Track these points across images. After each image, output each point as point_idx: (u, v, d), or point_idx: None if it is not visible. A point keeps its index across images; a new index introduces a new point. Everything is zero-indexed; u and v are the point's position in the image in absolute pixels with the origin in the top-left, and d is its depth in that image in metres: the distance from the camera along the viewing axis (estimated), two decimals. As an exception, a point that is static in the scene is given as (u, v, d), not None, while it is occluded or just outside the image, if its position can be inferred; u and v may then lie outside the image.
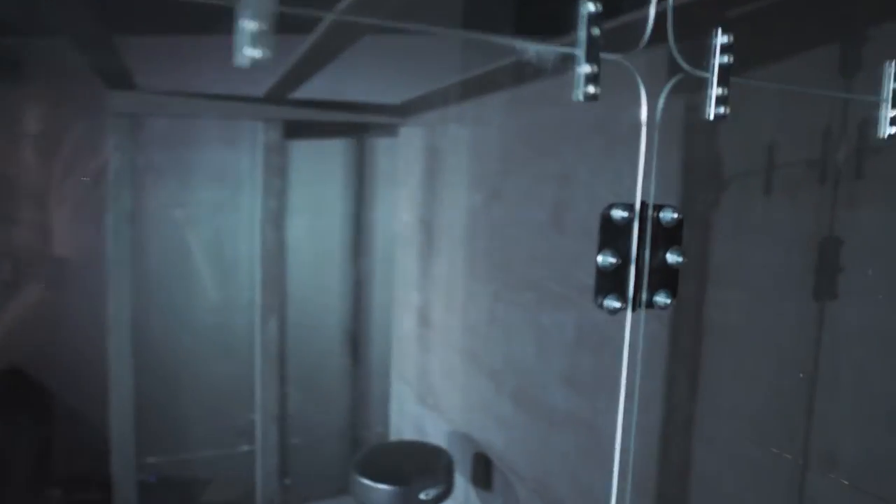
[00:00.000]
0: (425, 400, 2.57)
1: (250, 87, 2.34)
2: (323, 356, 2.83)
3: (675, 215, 0.71)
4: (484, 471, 2.22)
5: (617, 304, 0.69)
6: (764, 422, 1.26)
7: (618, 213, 0.68)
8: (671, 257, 0.72)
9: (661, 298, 0.73)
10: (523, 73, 1.69)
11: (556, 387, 1.85)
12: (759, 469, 1.24)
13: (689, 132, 1.31)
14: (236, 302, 2.62)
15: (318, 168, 2.76)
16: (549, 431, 1.89)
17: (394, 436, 2.78)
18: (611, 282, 0.70)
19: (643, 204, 0.71)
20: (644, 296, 0.73)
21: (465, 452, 2.26)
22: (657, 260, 0.73)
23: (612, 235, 0.69)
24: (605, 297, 0.70)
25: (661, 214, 0.72)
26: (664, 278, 0.73)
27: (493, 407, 2.17)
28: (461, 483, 2.22)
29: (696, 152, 1.31)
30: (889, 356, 1.10)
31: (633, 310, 0.72)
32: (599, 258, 0.68)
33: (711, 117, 0.73)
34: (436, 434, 2.47)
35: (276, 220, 2.63)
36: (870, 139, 1.17)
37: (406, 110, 2.56)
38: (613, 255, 0.68)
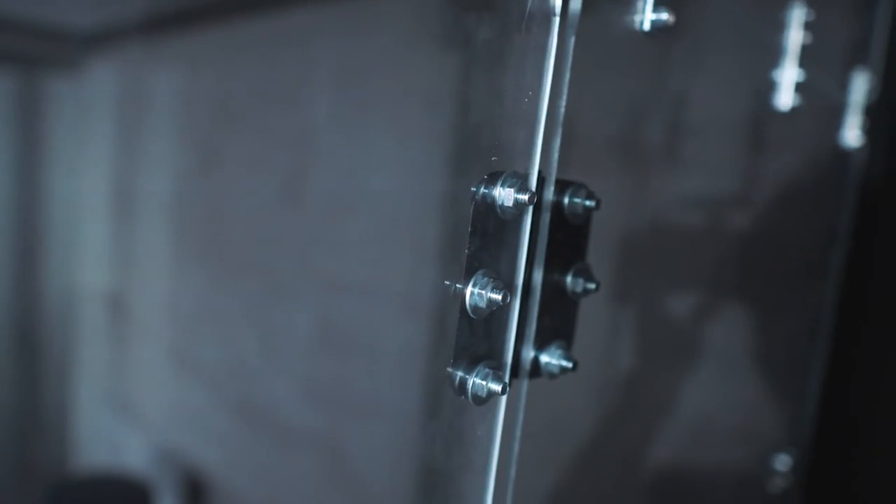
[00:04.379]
0: (121, 411, 1.96)
1: None
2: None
3: (590, 202, 0.34)
4: (198, 494, 1.72)
5: (496, 385, 0.30)
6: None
7: (509, 196, 0.29)
8: (577, 281, 0.36)
9: (556, 359, 0.36)
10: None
11: (289, 398, 1.42)
12: None
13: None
14: None
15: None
16: (281, 451, 1.46)
17: (79, 459, 2.10)
18: (481, 335, 0.31)
19: (540, 180, 0.33)
20: (529, 354, 0.35)
21: (174, 475, 1.72)
22: (550, 285, 0.35)
23: (492, 241, 0.30)
24: (474, 367, 0.31)
25: (569, 199, 0.34)
26: (558, 320, 0.36)
27: (210, 419, 1.67)
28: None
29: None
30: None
31: (503, 392, 0.34)
32: (473, 291, 0.29)
33: (647, 26, 0.37)
34: (136, 453, 1.88)
35: None
36: (684, 120, 0.91)
37: (97, 40, 1.89)
38: (496, 284, 0.29)
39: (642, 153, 0.87)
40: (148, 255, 1.81)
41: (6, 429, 2.02)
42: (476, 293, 0.29)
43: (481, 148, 0.29)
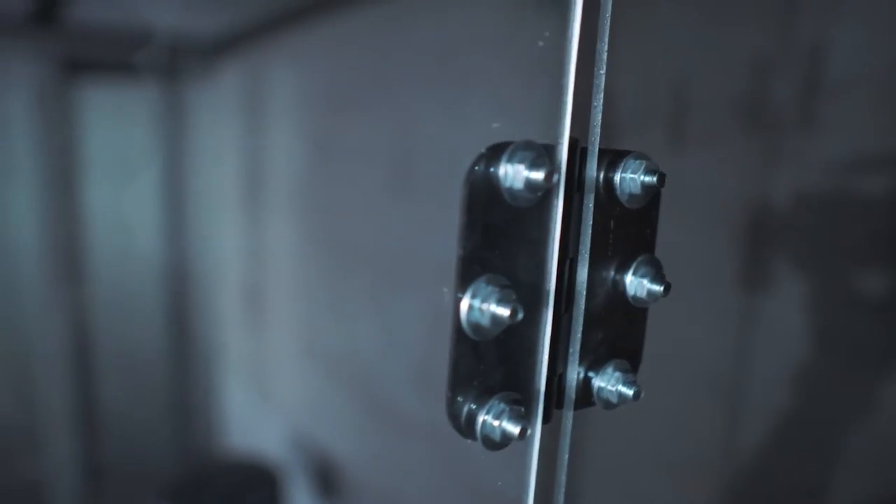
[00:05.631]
0: (259, 396, 2.05)
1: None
2: (136, 345, 2.21)
3: (649, 178, 0.25)
4: (327, 482, 1.76)
5: (514, 427, 0.22)
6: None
7: (520, 173, 0.21)
8: (639, 282, 0.27)
9: (613, 384, 0.27)
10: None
11: (406, 387, 1.40)
12: None
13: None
14: (14, 283, 1.94)
15: (118, 119, 2.10)
16: (401, 440, 1.44)
17: (221, 440, 2.23)
18: (493, 361, 0.23)
19: (575, 146, 0.24)
20: (575, 378, 0.27)
21: (306, 460, 1.78)
22: (603, 289, 0.27)
23: (500, 237, 0.22)
24: (486, 400, 0.23)
25: (621, 175, 0.26)
26: (617, 332, 0.28)
27: (335, 407, 1.70)
28: (302, 493, 1.74)
29: (581, 85, 0.86)
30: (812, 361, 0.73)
31: (547, 420, 0.26)
32: (473, 304, 0.21)
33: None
34: (272, 437, 1.96)
35: (63, 183, 1.97)
36: (823, 74, 0.76)
37: (222, 45, 1.96)
38: (503, 295, 0.21)
39: (773, 115, 0.74)
40: (276, 249, 1.86)
41: (159, 409, 2.17)
42: (476, 307, 0.22)
43: (478, 111, 0.21)
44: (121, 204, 2.12)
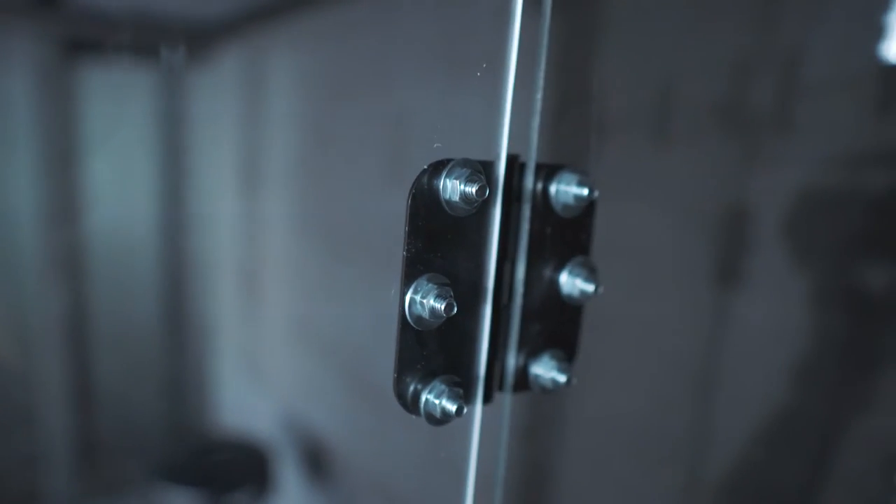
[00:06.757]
0: (250, 376, 2.09)
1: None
2: (131, 323, 2.25)
3: (585, 191, 0.29)
4: (316, 463, 1.80)
5: (451, 405, 0.26)
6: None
7: (456, 188, 0.25)
8: (572, 282, 0.31)
9: (548, 371, 0.31)
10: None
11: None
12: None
13: (557, 60, 0.89)
14: (10, 259, 1.98)
15: (118, 100, 2.12)
16: (390, 422, 1.48)
17: (214, 416, 2.27)
18: (434, 349, 0.27)
19: (513, 162, 0.28)
20: (511, 364, 0.31)
21: (295, 437, 1.82)
22: (539, 287, 0.30)
23: (441, 241, 0.26)
24: (429, 381, 0.27)
25: (556, 188, 0.29)
26: (553, 325, 0.31)
27: (327, 388, 1.73)
28: (291, 474, 1.78)
29: (565, 87, 0.90)
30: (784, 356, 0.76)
31: (488, 400, 0.29)
32: (414, 298, 0.25)
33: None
34: (262, 415, 2.00)
35: (61, 161, 1.99)
36: (801, 78, 0.79)
37: (225, 30, 1.98)
38: (441, 292, 0.25)
39: (752, 116, 0.77)
40: (271, 231, 1.90)
41: (152, 386, 2.22)
42: (418, 301, 0.26)
43: (420, 132, 0.25)
44: (118, 184, 2.15)
